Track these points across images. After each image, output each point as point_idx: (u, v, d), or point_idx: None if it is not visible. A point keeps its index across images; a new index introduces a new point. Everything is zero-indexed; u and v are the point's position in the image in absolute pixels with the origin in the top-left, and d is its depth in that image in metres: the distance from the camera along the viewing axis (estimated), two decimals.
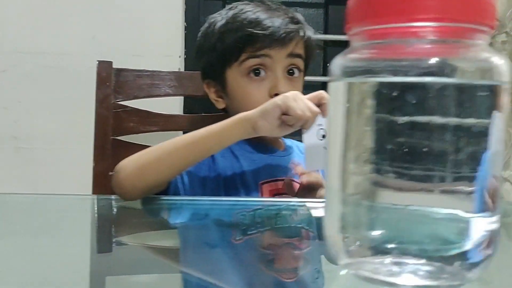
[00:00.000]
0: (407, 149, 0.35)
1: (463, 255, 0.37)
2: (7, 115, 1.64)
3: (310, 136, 0.77)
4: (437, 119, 0.35)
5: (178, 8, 1.66)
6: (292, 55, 0.91)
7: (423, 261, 0.37)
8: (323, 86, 1.85)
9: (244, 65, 0.90)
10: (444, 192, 0.36)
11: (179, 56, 1.65)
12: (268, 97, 0.87)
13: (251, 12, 0.91)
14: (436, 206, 0.37)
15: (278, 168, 0.93)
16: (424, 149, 0.35)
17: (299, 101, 0.76)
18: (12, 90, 1.64)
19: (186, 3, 1.69)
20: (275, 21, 0.89)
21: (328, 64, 1.82)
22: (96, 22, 1.65)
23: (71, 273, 0.43)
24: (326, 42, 1.82)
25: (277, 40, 0.88)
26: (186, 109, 1.64)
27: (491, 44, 0.38)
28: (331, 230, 0.40)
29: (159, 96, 1.15)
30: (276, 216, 0.72)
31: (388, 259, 0.38)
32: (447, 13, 0.35)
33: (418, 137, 0.35)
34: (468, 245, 0.36)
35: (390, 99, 0.35)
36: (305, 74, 0.99)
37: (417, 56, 0.35)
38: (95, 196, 0.80)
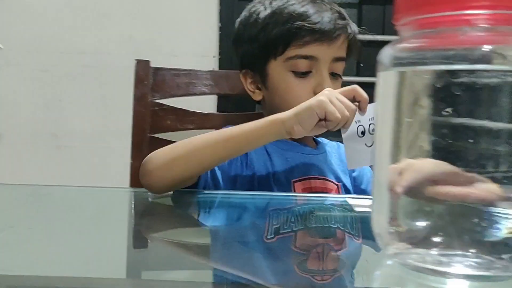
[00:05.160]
0: (464, 150, 0.34)
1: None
2: (48, 114, 1.69)
3: (350, 135, 0.75)
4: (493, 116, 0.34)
5: (213, 9, 1.68)
6: (337, 59, 0.90)
7: (470, 253, 0.37)
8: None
9: (291, 62, 0.89)
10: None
11: (214, 56, 1.67)
12: (313, 94, 0.84)
13: (299, 5, 0.89)
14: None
15: (311, 166, 0.92)
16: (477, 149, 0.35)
17: (335, 102, 0.74)
18: (53, 89, 1.69)
19: (220, 4, 1.71)
20: (324, 16, 0.88)
21: (361, 65, 1.81)
22: (133, 22, 1.68)
23: (108, 263, 0.44)
24: (360, 42, 1.80)
25: (325, 35, 0.87)
26: (220, 107, 1.65)
27: None
28: (379, 221, 0.40)
29: (195, 95, 1.17)
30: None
31: (435, 250, 0.38)
32: (500, 0, 0.35)
33: (473, 135, 0.34)
34: None
35: (443, 88, 0.34)
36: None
37: (471, 44, 0.34)
38: (132, 189, 0.82)
